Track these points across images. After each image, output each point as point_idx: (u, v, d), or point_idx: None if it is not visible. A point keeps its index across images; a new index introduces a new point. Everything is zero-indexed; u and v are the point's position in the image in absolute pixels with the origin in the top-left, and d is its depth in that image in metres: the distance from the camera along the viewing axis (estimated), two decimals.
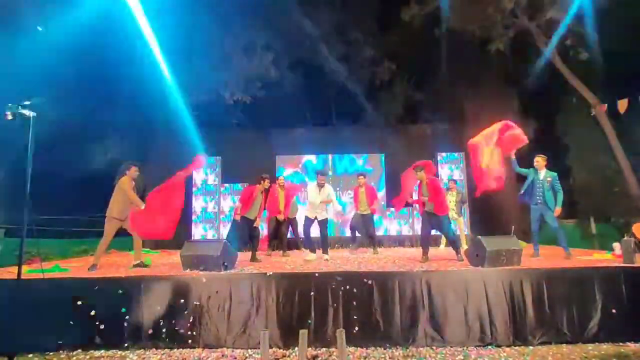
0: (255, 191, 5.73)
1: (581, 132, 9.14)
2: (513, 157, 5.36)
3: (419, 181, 5.31)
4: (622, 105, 7.14)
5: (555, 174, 5.20)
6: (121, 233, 5.01)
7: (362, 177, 6.93)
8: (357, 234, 6.92)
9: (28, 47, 6.89)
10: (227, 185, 9.09)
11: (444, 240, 7.29)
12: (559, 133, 9.63)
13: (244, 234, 5.75)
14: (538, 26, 7.93)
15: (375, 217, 7.28)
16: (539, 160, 5.28)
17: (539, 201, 5.20)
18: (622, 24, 7.72)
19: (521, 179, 5.73)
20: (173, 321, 3.81)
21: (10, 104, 2.77)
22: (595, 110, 8.05)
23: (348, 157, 9.28)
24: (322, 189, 5.71)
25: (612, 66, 8.40)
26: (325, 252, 5.72)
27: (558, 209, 5.10)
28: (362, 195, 6.77)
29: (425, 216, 5.25)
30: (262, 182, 5.80)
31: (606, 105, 7.75)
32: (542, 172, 5.23)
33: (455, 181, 7.57)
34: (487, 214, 8.14)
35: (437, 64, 10.34)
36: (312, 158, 9.23)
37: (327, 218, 5.83)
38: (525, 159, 5.54)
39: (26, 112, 2.77)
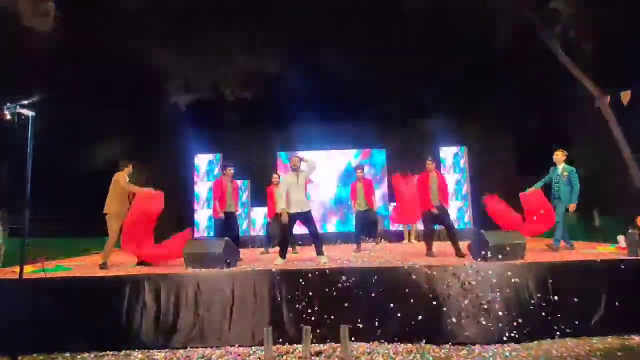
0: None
1: (584, 124, 9.06)
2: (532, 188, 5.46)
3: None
4: (626, 97, 7.07)
5: (573, 168, 5.16)
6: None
7: (360, 170, 6.38)
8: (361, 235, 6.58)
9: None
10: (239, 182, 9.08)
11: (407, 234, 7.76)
12: (562, 125, 9.56)
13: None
14: (541, 17, 7.83)
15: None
16: (558, 154, 5.26)
17: (556, 196, 5.21)
18: (628, 15, 7.61)
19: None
20: (177, 319, 3.81)
21: (8, 104, 2.76)
22: (598, 102, 7.97)
23: (350, 152, 9.26)
24: (299, 175, 4.92)
25: (616, 58, 8.30)
26: (320, 252, 4.80)
27: (572, 205, 5.06)
28: (360, 191, 6.29)
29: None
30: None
31: (609, 97, 7.67)
32: (560, 167, 5.22)
33: None
34: None
35: (438, 58, 10.25)
36: (313, 154, 9.20)
37: (310, 209, 5.00)
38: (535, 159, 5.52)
39: (24, 111, 2.75)
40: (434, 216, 5.13)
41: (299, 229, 5.23)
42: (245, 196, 8.97)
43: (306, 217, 4.88)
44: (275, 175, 6.69)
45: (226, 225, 5.74)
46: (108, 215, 4.88)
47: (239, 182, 8.83)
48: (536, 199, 5.40)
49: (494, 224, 5.94)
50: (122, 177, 4.95)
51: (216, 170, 9.02)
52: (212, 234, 8.54)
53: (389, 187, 8.95)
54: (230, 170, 5.96)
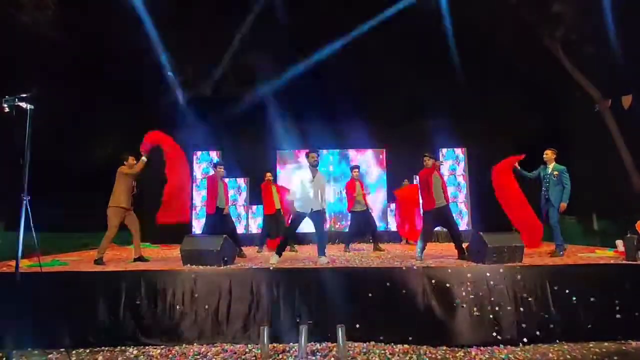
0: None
1: (584, 127, 9.06)
2: (517, 167, 5.28)
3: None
4: (627, 100, 7.08)
5: (564, 167, 5.05)
6: (120, 227, 4.98)
7: (356, 170, 6.32)
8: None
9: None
10: (227, 179, 9.04)
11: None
12: (562, 128, 9.55)
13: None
14: (543, 20, 7.83)
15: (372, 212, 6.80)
16: (548, 154, 5.15)
17: (546, 197, 5.10)
18: (629, 18, 7.61)
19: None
20: (173, 316, 3.80)
21: (7, 97, 2.74)
22: (599, 106, 7.97)
23: (348, 153, 9.25)
24: (316, 175, 4.69)
25: (617, 61, 8.29)
26: (322, 253, 4.62)
27: (563, 204, 4.96)
28: (359, 190, 6.23)
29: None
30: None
31: (610, 100, 7.68)
32: (550, 166, 5.13)
33: None
34: (489, 210, 8.09)
35: (439, 58, 10.23)
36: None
37: (324, 209, 4.81)
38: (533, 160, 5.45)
39: (23, 104, 2.73)
40: (436, 217, 4.87)
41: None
42: (245, 194, 8.96)
43: (316, 216, 4.67)
44: (268, 173, 6.70)
45: (220, 222, 5.64)
46: (110, 208, 4.87)
47: (238, 180, 8.89)
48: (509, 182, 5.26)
49: (493, 226, 5.94)
50: (125, 168, 5.01)
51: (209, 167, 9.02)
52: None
53: (388, 187, 8.95)
54: (222, 170, 5.87)
